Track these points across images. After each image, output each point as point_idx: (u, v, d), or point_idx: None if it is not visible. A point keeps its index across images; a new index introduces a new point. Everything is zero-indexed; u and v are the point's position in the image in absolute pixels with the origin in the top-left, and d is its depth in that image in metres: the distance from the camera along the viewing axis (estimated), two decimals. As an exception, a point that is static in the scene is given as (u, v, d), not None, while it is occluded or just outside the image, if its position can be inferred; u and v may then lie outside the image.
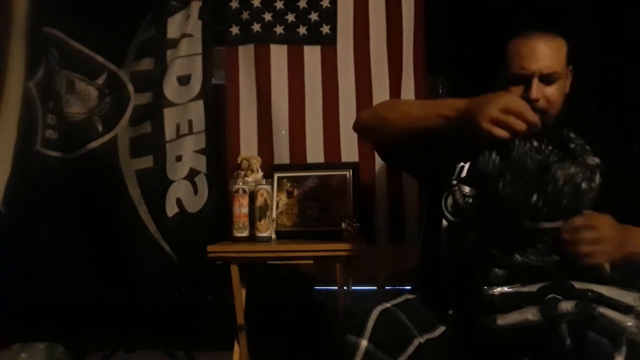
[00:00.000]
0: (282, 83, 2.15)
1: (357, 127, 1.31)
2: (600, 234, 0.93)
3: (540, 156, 0.96)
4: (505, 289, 0.93)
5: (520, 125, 0.96)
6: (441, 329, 1.07)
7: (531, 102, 1.11)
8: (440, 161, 1.22)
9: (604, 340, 0.83)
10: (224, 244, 1.80)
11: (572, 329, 0.84)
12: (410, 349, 0.97)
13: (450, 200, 1.15)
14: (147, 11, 2.18)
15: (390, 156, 1.39)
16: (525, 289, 0.92)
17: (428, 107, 1.14)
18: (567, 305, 0.85)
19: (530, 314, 0.88)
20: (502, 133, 0.97)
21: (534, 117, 0.98)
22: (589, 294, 0.87)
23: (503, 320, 0.90)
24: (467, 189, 1.13)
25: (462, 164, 1.17)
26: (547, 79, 1.15)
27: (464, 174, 1.16)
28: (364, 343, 0.96)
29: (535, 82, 1.14)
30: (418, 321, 1.03)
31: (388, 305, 1.03)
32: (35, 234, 2.14)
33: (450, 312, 1.10)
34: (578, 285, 0.89)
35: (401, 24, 2.14)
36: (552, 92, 1.15)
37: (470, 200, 1.12)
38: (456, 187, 1.14)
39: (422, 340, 1.00)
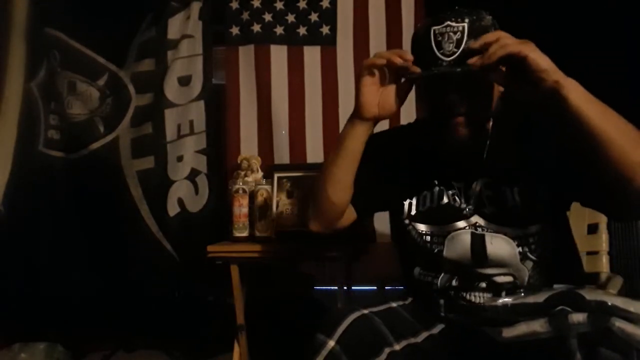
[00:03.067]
0: (282, 83, 2.16)
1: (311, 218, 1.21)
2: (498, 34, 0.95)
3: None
4: (509, 300, 0.89)
5: (395, 59, 1.00)
6: (425, 334, 1.06)
7: None
8: (387, 201, 1.20)
9: (617, 356, 0.78)
10: (223, 244, 1.80)
11: (582, 343, 0.79)
12: (381, 358, 0.95)
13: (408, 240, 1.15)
14: (148, 12, 2.20)
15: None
16: (531, 299, 0.87)
17: (339, 139, 1.13)
18: (578, 317, 0.79)
19: (538, 326, 0.82)
20: (380, 61, 1.02)
21: (405, 53, 1.01)
22: (603, 306, 0.80)
23: (509, 332, 0.85)
24: (422, 227, 1.13)
25: (408, 200, 1.15)
26: None
27: (413, 211, 1.14)
28: (331, 343, 0.94)
29: None
30: (398, 328, 1.01)
31: (366, 312, 1.01)
32: (36, 233, 2.15)
33: (442, 314, 1.09)
34: (589, 296, 0.83)
35: (401, 24, 2.14)
36: None
37: (428, 239, 1.11)
38: (410, 227, 1.14)
39: (397, 347, 0.98)
